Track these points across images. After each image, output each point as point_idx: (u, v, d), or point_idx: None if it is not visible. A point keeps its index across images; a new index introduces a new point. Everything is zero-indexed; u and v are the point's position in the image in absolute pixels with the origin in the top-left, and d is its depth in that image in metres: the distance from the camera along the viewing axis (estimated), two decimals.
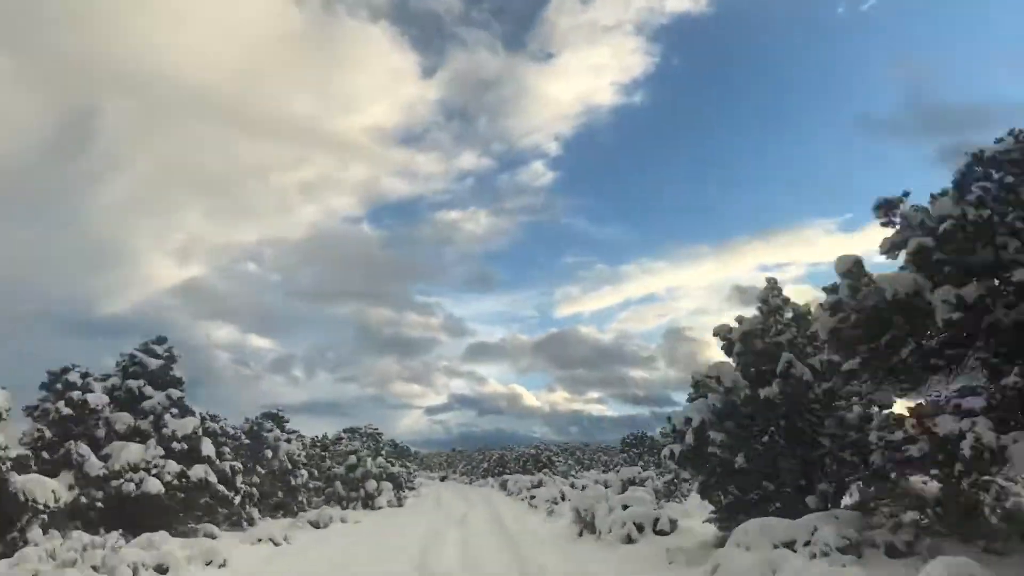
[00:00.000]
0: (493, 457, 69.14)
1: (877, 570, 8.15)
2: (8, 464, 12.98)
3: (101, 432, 17.46)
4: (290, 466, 25.43)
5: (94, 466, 16.23)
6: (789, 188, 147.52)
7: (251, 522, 20.31)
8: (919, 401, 9.80)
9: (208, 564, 12.91)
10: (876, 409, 10.66)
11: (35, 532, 12.85)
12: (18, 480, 12.90)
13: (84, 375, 17.60)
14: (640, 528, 14.77)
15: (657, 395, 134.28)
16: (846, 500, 11.61)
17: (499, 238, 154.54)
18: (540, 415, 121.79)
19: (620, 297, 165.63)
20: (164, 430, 17.99)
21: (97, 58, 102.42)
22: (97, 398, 17.22)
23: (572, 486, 32.88)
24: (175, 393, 18.97)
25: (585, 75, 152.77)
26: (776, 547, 9.35)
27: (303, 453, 26.86)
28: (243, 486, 19.81)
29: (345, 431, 51.87)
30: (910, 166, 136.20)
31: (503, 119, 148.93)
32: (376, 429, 55.72)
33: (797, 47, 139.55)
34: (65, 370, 17.42)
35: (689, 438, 12.77)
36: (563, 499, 27.66)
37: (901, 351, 8.96)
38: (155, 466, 16.89)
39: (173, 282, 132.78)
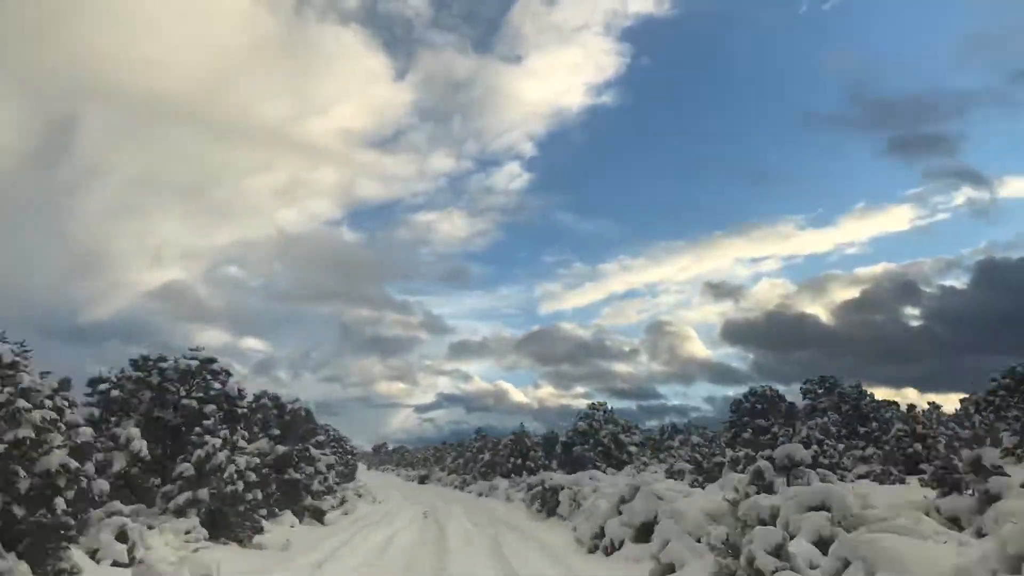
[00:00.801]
0: (501, 444, 44.72)
1: None
2: None
3: None
4: None
5: None
6: (761, 184, 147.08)
7: None
8: None
9: None
10: None
11: None
12: None
13: None
14: None
15: (642, 388, 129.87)
16: None
17: (477, 238, 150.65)
18: (529, 411, 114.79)
19: (601, 293, 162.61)
20: None
21: (75, 70, 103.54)
22: None
23: None
24: None
25: (556, 76, 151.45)
26: None
27: None
28: None
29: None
30: (863, 159, 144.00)
31: (476, 120, 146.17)
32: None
33: (760, 47, 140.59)
34: None
35: None
36: None
37: None
38: None
39: (155, 287, 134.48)
